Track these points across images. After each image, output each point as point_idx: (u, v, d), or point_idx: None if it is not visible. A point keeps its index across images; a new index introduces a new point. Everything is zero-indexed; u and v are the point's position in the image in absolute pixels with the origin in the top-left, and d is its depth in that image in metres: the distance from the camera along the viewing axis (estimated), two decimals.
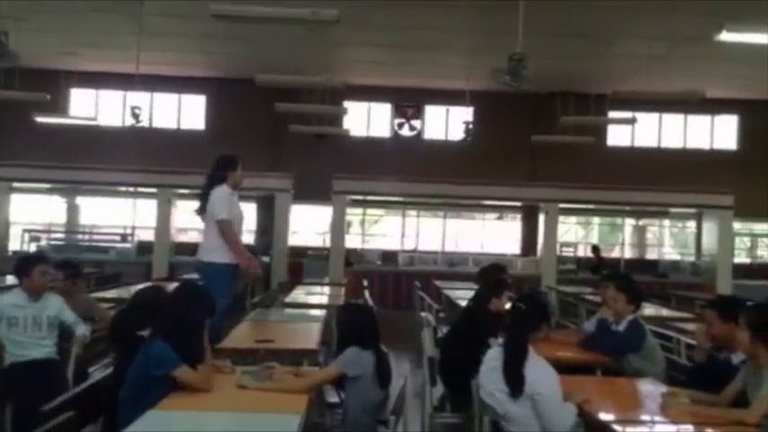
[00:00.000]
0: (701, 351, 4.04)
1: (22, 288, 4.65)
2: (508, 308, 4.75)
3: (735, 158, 17.17)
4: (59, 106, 14.99)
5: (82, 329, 4.77)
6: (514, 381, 3.36)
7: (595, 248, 15.59)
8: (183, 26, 12.34)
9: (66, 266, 5.50)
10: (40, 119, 14.39)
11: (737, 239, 17.14)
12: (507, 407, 3.37)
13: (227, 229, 5.53)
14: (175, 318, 3.47)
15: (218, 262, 5.51)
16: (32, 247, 14.85)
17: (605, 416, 3.35)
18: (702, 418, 3.24)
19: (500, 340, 3.61)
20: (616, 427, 3.14)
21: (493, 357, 3.54)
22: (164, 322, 3.46)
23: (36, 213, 16.80)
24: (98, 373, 4.66)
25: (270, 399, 3.31)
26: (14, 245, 15.07)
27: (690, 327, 6.29)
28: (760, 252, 18.49)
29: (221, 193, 5.60)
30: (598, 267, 14.40)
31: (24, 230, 15.25)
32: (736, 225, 15.83)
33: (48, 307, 4.69)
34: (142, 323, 3.61)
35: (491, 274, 5.92)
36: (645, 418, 3.46)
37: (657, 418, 3.33)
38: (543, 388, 3.31)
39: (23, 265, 4.68)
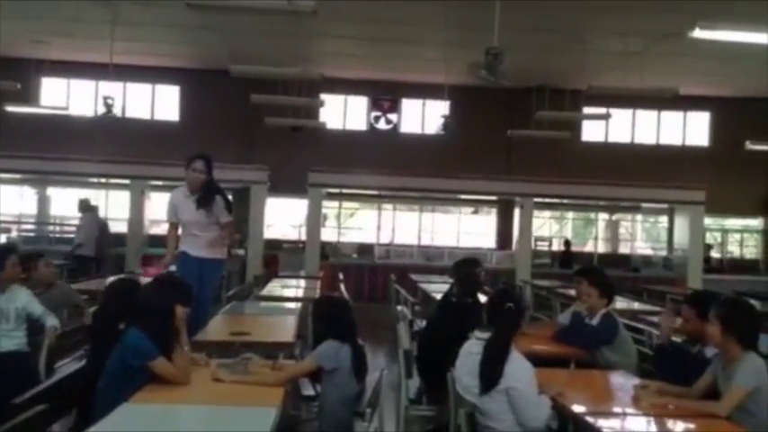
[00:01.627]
0: (664, 334, 4.12)
1: None
2: (484, 301, 4.78)
3: (706, 155, 17.41)
4: (30, 95, 14.73)
5: (52, 321, 4.74)
6: (489, 379, 3.37)
7: (566, 243, 15.77)
8: (157, 15, 12.18)
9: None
10: (11, 108, 14.15)
11: (708, 235, 17.41)
12: (482, 400, 3.39)
13: (167, 231, 6.00)
14: (149, 308, 3.46)
15: (180, 251, 5.83)
16: (2, 239, 14.61)
17: (578, 408, 3.39)
18: (674, 411, 3.29)
19: (477, 333, 3.61)
20: (589, 418, 3.18)
21: (470, 351, 3.55)
22: (139, 312, 3.43)
23: (6, 204, 16.51)
24: (68, 366, 4.60)
25: (245, 392, 3.30)
26: None
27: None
28: (730, 247, 18.80)
29: (170, 195, 5.95)
30: (568, 261, 14.57)
31: None
32: (707, 221, 16.08)
33: (15, 299, 4.67)
34: (121, 316, 3.59)
35: (465, 267, 5.93)
36: (617, 409, 3.50)
37: (629, 410, 3.38)
38: (519, 383, 3.34)
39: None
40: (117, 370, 3.25)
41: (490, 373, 3.37)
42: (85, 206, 11.83)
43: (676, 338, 4.30)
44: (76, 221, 16.26)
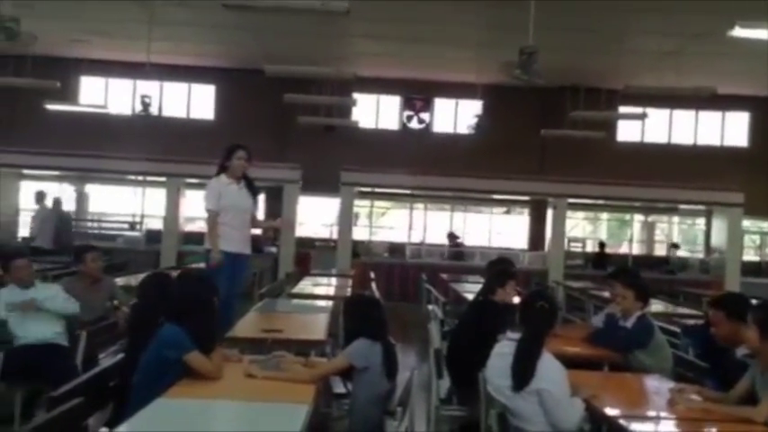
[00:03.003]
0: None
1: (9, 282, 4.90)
2: (516, 301, 4.76)
3: (745, 156, 17.07)
4: (70, 94, 15.04)
5: (71, 308, 4.90)
6: (522, 377, 3.35)
7: (601, 244, 15.55)
8: (193, 15, 12.34)
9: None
10: (51, 106, 14.44)
11: (747, 237, 17.06)
12: (514, 401, 3.38)
13: (207, 219, 5.78)
14: (183, 302, 3.52)
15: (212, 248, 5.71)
16: None
17: (612, 411, 3.34)
18: (710, 415, 3.23)
19: (509, 334, 3.59)
20: (622, 422, 3.14)
21: (501, 351, 3.53)
22: (173, 307, 3.48)
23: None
24: (105, 360, 4.70)
25: (278, 388, 3.33)
26: (24, 231, 15.14)
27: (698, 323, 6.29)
28: None
29: (210, 183, 5.84)
30: (602, 263, 14.38)
31: (33, 217, 15.30)
32: (746, 223, 15.76)
33: (42, 293, 4.87)
34: (154, 310, 3.64)
35: (498, 266, 5.91)
36: (651, 413, 3.45)
37: (664, 414, 3.33)
38: (551, 385, 3.31)
39: (4, 260, 4.97)
40: (152, 363, 3.30)
41: (522, 371, 3.35)
42: (39, 198, 11.89)
43: None
44: (118, 218, 16.66)
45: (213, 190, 5.74)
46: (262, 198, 15.44)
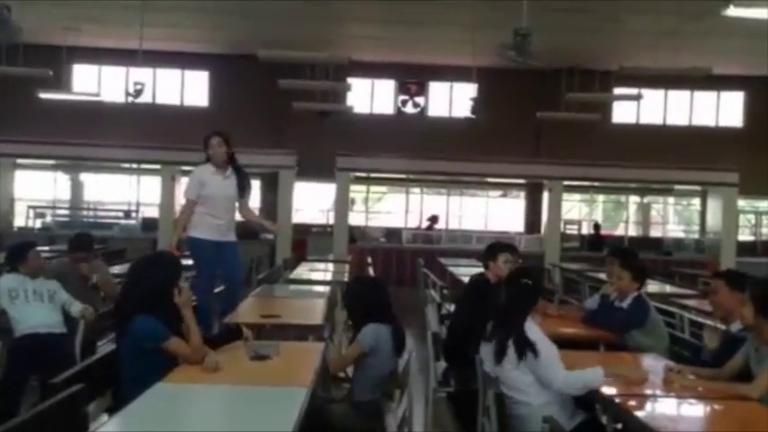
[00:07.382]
0: (713, 334, 4.02)
1: (18, 272, 4.87)
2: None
3: (740, 135, 17.08)
4: (62, 82, 14.92)
5: (76, 307, 4.89)
6: (501, 346, 3.42)
7: (596, 226, 15.61)
8: (185, 0, 12.24)
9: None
10: (44, 95, 14.36)
11: (742, 217, 17.11)
12: (508, 373, 3.42)
13: (183, 206, 5.63)
14: (144, 288, 3.43)
15: (194, 237, 5.47)
16: (37, 224, 14.90)
17: (608, 390, 3.37)
18: (704, 392, 3.26)
19: None
20: (618, 400, 3.17)
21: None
22: (137, 296, 3.43)
23: (41, 190, 16.83)
24: (103, 348, 4.73)
25: (277, 372, 3.36)
26: (20, 221, 15.13)
27: (693, 303, 6.34)
28: (765, 230, 18.45)
29: (194, 172, 5.65)
30: (597, 245, 14.43)
31: (29, 207, 15.30)
32: (741, 202, 15.80)
33: (45, 283, 4.91)
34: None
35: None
36: (647, 392, 3.48)
37: (660, 393, 3.35)
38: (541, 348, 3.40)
39: (18, 251, 4.94)
40: (134, 355, 3.28)
41: (502, 340, 3.43)
42: None
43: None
44: (114, 206, 16.63)
45: (195, 179, 5.52)
46: (257, 185, 15.44)
